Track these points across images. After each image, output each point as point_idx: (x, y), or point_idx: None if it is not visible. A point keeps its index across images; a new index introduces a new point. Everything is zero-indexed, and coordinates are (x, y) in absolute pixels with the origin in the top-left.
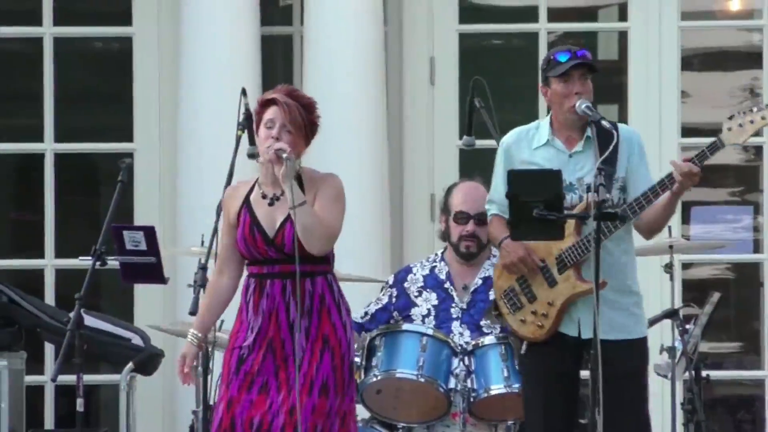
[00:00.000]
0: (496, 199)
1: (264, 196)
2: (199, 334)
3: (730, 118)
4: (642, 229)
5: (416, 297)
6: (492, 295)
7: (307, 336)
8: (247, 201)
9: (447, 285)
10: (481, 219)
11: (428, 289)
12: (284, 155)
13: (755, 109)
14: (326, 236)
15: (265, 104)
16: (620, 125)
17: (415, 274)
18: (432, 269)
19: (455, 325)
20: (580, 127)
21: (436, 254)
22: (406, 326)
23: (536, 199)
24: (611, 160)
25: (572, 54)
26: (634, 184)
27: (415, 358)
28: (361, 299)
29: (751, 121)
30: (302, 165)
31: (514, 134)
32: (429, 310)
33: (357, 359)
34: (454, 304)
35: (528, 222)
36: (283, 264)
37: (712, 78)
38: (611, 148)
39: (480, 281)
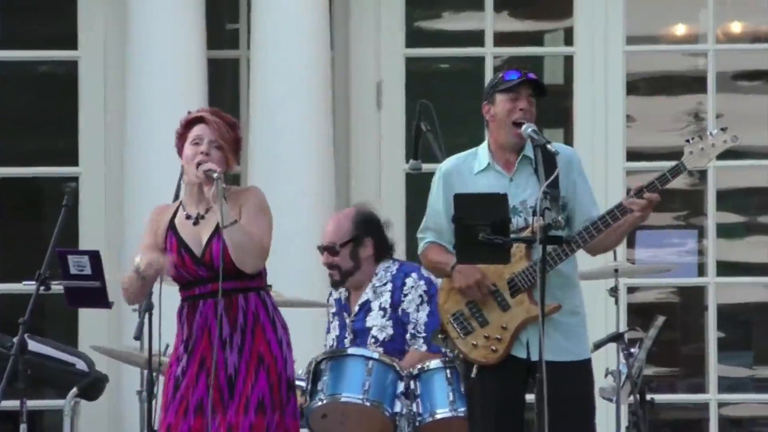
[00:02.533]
0: (432, 226)
1: (188, 217)
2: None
3: (689, 141)
4: (590, 247)
5: (331, 323)
6: (370, 322)
7: (240, 354)
8: (171, 224)
9: (344, 311)
10: (327, 248)
11: (336, 316)
12: (214, 175)
13: (715, 133)
14: (258, 251)
15: (189, 124)
16: (557, 144)
17: (332, 297)
18: (340, 294)
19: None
20: (517, 150)
21: None
22: (351, 350)
23: (482, 223)
24: (554, 182)
25: (522, 73)
26: (578, 203)
27: (361, 381)
28: (307, 324)
29: (713, 145)
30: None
31: (451, 162)
32: (333, 339)
33: (302, 383)
34: (347, 332)
35: (474, 246)
36: (214, 282)
37: (658, 102)
38: (555, 173)
39: (357, 308)
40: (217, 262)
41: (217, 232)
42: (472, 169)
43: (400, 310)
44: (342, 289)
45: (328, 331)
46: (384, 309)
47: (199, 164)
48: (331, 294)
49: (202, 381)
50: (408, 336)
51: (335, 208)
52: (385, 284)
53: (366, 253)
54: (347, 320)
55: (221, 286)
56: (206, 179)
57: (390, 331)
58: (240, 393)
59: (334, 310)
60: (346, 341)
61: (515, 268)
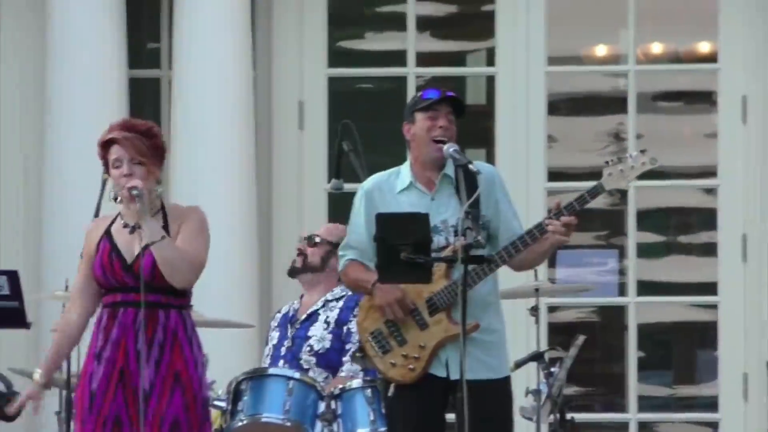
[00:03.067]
0: (354, 244)
1: (126, 225)
2: (41, 371)
3: (608, 163)
4: (513, 264)
5: (269, 337)
6: (312, 331)
7: (157, 370)
8: (108, 231)
9: (288, 323)
10: (309, 237)
11: (277, 328)
12: (135, 192)
13: (634, 155)
14: (190, 269)
15: (105, 145)
16: (478, 163)
17: (280, 312)
18: (290, 307)
19: (280, 365)
20: (438, 168)
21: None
22: (272, 370)
23: (404, 242)
24: (476, 202)
25: (441, 92)
26: (502, 220)
27: (282, 401)
28: (229, 344)
29: (632, 167)
30: (166, 199)
31: (373, 180)
32: (269, 349)
33: (222, 404)
34: (286, 341)
35: (396, 265)
36: (138, 292)
37: (579, 122)
38: (477, 193)
39: (304, 316)
40: (145, 273)
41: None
42: (394, 187)
43: (345, 328)
44: (293, 302)
45: (267, 344)
46: (328, 323)
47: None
48: (280, 310)
49: (120, 394)
50: (347, 355)
51: (257, 229)
52: (337, 300)
53: (335, 265)
54: (290, 328)
55: (144, 297)
56: (131, 198)
57: (327, 344)
58: (154, 411)
59: (276, 323)
60: (283, 349)
61: (435, 287)
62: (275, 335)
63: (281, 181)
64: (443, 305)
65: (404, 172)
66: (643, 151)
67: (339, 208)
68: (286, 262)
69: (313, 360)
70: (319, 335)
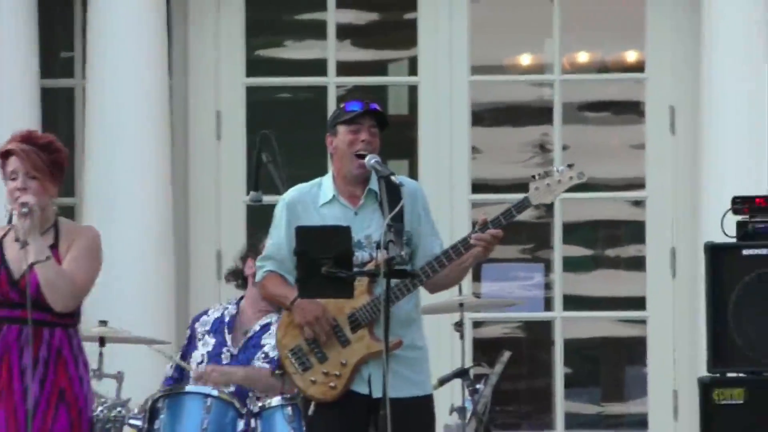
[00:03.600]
0: (274, 255)
1: (17, 239)
2: None
3: (534, 177)
4: (432, 284)
5: (199, 340)
6: (266, 339)
7: (42, 387)
8: (0, 242)
9: (225, 328)
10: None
11: (210, 333)
12: (24, 210)
13: (561, 169)
14: (70, 293)
15: (4, 155)
16: (401, 177)
17: (208, 316)
18: (223, 312)
19: None
20: (362, 183)
21: (236, 298)
22: (189, 387)
23: (325, 256)
24: (399, 216)
25: (364, 104)
26: (421, 237)
27: (199, 420)
28: (145, 361)
29: (559, 181)
30: (60, 216)
31: (295, 192)
32: (203, 355)
33: (138, 422)
34: (225, 348)
35: (317, 279)
36: (23, 309)
37: (503, 133)
38: (400, 205)
39: (258, 327)
40: (31, 290)
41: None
42: (316, 200)
43: None
44: (225, 306)
45: (187, 353)
46: None
47: (17, 200)
48: (206, 313)
49: (1, 413)
50: None
51: (173, 241)
52: None
53: None
54: (229, 336)
55: (31, 315)
56: (22, 214)
57: None
58: (39, 428)
59: (206, 328)
60: (222, 357)
61: (356, 303)
62: (210, 341)
63: (198, 193)
64: (365, 321)
65: (326, 185)
66: (570, 165)
67: (258, 220)
68: (204, 275)
69: (268, 367)
70: (274, 343)
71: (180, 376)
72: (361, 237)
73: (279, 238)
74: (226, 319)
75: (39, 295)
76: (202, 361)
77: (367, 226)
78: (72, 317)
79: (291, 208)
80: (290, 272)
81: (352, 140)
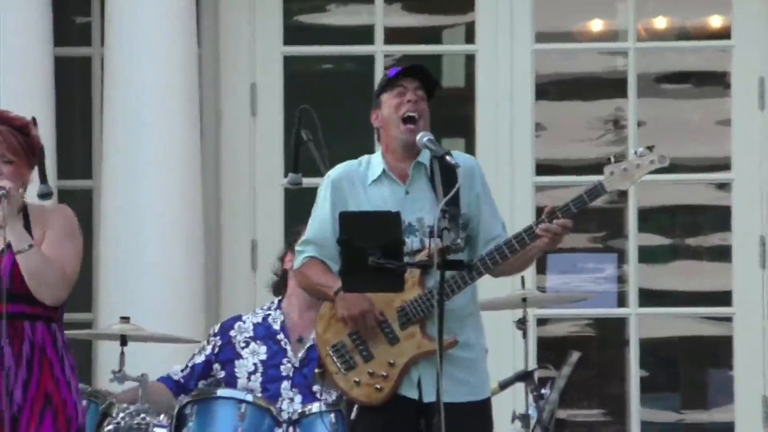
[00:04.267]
0: (315, 239)
1: None
2: None
3: (609, 161)
4: (495, 270)
5: (243, 348)
6: None
7: (25, 390)
8: None
9: (280, 336)
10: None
11: (258, 341)
12: (2, 193)
13: (640, 152)
14: (59, 281)
15: None
16: (456, 153)
17: (244, 323)
18: (265, 318)
19: (284, 387)
20: (412, 156)
21: (272, 302)
22: (221, 392)
23: (372, 245)
24: (455, 199)
25: (407, 66)
26: (481, 220)
27: (232, 428)
28: (171, 361)
29: (638, 165)
30: (28, 200)
31: (342, 169)
32: (256, 365)
33: (164, 430)
34: (286, 359)
35: (363, 271)
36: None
37: (571, 108)
38: (456, 188)
39: (311, 341)
40: (4, 276)
41: (9, 248)
42: (365, 178)
43: None
44: (271, 311)
45: (225, 361)
46: None
47: None
48: (241, 318)
49: None
50: None
51: (203, 230)
52: None
53: None
54: (289, 345)
55: (6, 309)
56: None
57: None
58: None
59: (248, 334)
60: (282, 369)
61: (407, 296)
62: (259, 349)
63: (231, 176)
64: (416, 317)
65: (375, 162)
66: (650, 148)
67: (297, 206)
68: (238, 267)
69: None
70: None
71: (187, 381)
72: (412, 220)
73: (322, 220)
74: (275, 326)
75: (13, 283)
76: (254, 371)
77: (420, 208)
78: (55, 309)
79: (336, 186)
80: (334, 258)
81: (398, 104)
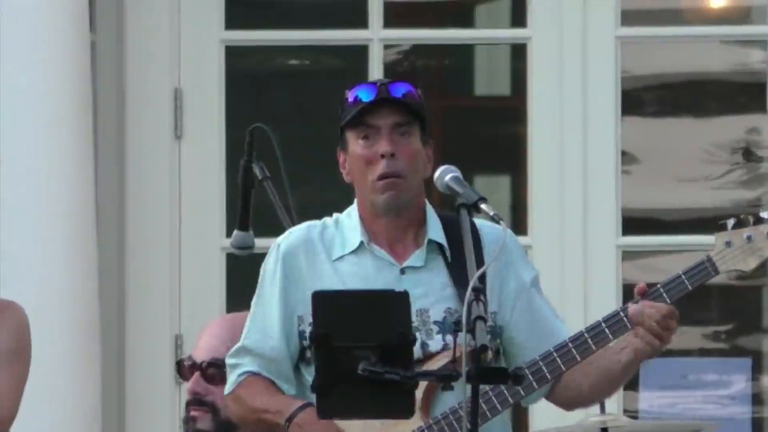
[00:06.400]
0: (254, 345)
1: None
2: None
3: (724, 226)
4: (559, 396)
5: None
6: None
7: None
8: None
9: None
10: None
11: None
12: None
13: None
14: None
15: None
16: (480, 222)
17: None
18: None
19: None
20: (414, 223)
21: None
22: None
23: (363, 345)
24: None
25: (379, 87)
26: (532, 320)
27: None
28: None
29: None
30: None
31: (297, 235)
32: None
33: None
34: None
35: (348, 385)
36: None
37: (676, 126)
38: (497, 253)
39: None
40: None
41: None
42: (331, 249)
43: None
44: None
45: None
46: None
47: None
48: None
49: None
50: None
51: (98, 316)
52: None
53: None
54: None
55: None
56: None
57: None
58: None
59: None
60: None
61: (401, 428)
62: None
63: (144, 228)
64: None
65: (348, 225)
66: None
67: (246, 278)
68: (151, 380)
69: None
70: None
71: None
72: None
73: (267, 316)
74: None
75: None
76: None
77: (423, 294)
78: None
79: (289, 262)
80: (284, 376)
81: (368, 158)
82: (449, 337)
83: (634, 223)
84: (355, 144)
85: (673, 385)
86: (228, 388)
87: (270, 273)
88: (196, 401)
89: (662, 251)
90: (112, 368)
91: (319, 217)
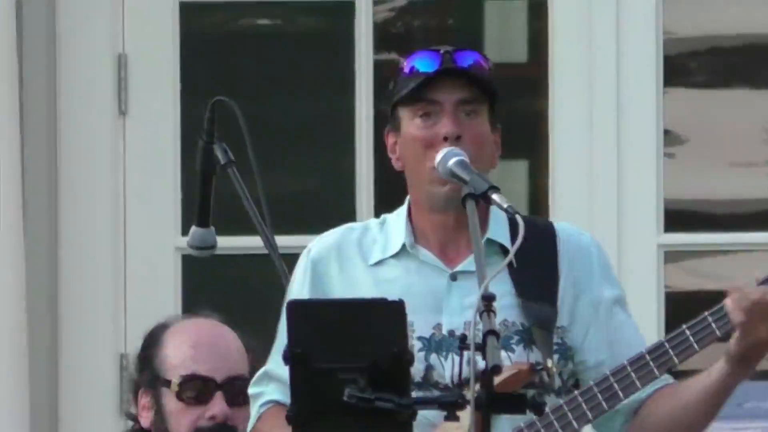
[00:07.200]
0: (281, 368)
1: None
2: None
3: None
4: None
5: None
6: None
7: None
8: None
9: None
10: (236, 388)
11: None
12: None
13: None
14: None
15: None
16: (563, 224)
17: None
18: None
19: None
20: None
21: None
22: None
23: (349, 367)
24: (549, 294)
25: (442, 56)
26: (615, 339)
27: None
28: None
29: None
30: None
31: (330, 238)
32: None
33: None
34: None
35: (331, 415)
36: None
37: (726, 106)
38: (560, 261)
39: None
40: None
41: None
42: (369, 252)
43: None
44: None
45: None
46: None
47: None
48: None
49: None
50: None
51: (26, 338)
52: None
53: None
54: None
55: None
56: None
57: None
58: None
59: None
60: None
61: None
62: None
63: (80, 224)
64: None
65: (394, 225)
66: None
67: (205, 284)
68: (88, 407)
69: None
70: None
71: None
72: (456, 325)
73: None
74: None
75: None
76: None
77: (472, 305)
78: None
79: (318, 269)
80: None
81: (427, 139)
82: (504, 353)
83: (678, 217)
84: (410, 124)
85: (727, 414)
86: (251, 422)
87: (298, 283)
88: None
89: (712, 251)
90: (43, 397)
91: (293, 208)
